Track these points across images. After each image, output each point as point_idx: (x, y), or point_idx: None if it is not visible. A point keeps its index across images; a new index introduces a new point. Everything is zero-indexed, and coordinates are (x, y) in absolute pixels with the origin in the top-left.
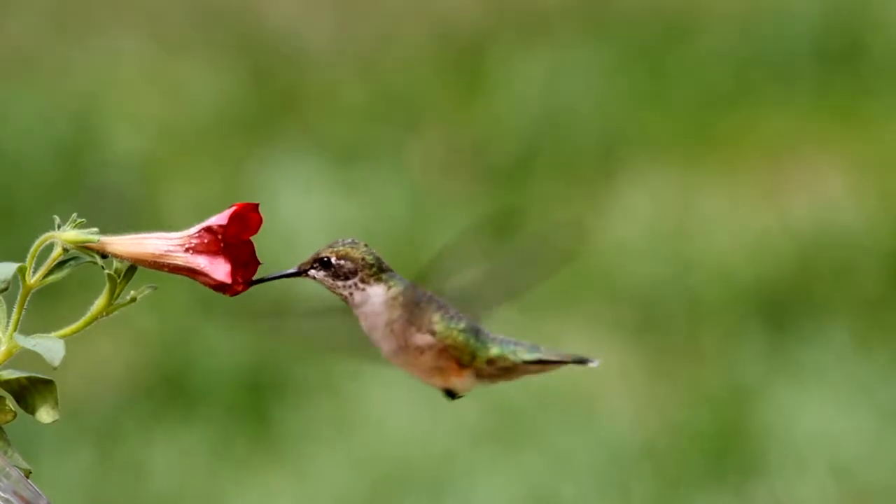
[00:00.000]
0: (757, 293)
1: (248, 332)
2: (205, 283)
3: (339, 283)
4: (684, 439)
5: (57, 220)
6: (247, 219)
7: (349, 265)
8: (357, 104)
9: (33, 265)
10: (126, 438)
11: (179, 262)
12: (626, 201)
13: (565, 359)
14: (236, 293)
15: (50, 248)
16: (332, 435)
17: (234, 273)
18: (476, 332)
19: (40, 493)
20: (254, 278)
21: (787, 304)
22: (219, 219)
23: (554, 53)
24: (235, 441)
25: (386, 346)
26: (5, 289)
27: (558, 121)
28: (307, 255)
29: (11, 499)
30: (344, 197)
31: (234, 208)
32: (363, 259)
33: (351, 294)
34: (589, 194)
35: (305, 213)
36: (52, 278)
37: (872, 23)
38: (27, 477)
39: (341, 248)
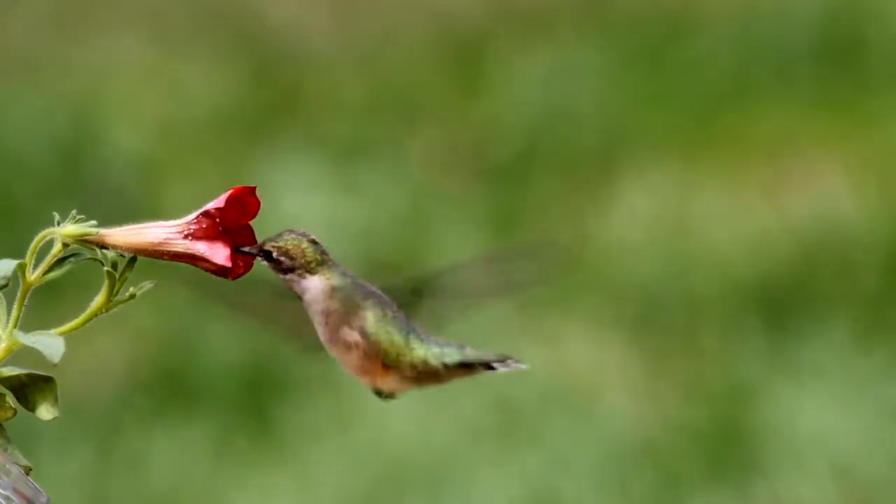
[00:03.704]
0: (757, 291)
1: (240, 325)
2: (205, 269)
3: (280, 275)
4: (684, 437)
5: (56, 216)
6: (245, 203)
7: (288, 261)
8: (357, 103)
9: (33, 262)
10: (126, 435)
11: (179, 248)
12: (626, 199)
13: (490, 361)
14: (237, 276)
15: (50, 245)
16: (332, 432)
17: (233, 257)
18: (408, 334)
19: (40, 490)
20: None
21: (787, 301)
22: (216, 203)
23: (554, 52)
24: (235, 438)
25: (322, 336)
26: (5, 285)
27: (558, 119)
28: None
29: (12, 496)
30: (344, 195)
31: (230, 192)
32: (303, 254)
33: (291, 286)
34: (589, 192)
35: (306, 211)
36: (51, 275)
37: (872, 20)
38: (27, 474)
39: (282, 243)
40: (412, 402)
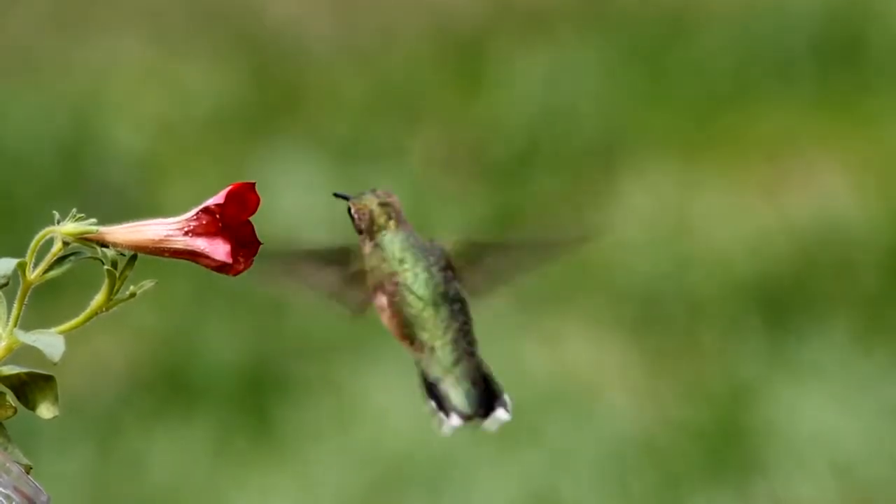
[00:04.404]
0: (757, 290)
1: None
2: (206, 265)
3: (358, 234)
4: (684, 436)
5: (56, 215)
6: (244, 199)
7: (364, 221)
8: (357, 102)
9: (33, 261)
10: (126, 434)
11: (179, 245)
12: (626, 198)
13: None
14: (238, 273)
15: (50, 244)
16: (333, 432)
17: (234, 253)
18: (439, 309)
19: (41, 488)
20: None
21: (787, 300)
22: (215, 199)
23: (554, 52)
24: (235, 437)
25: (370, 298)
26: (5, 284)
27: (558, 119)
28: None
29: (12, 495)
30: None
31: (230, 188)
32: (369, 217)
33: (362, 245)
34: (589, 191)
35: (306, 210)
36: (52, 274)
37: (872, 19)
38: (28, 472)
39: (361, 203)
40: (412, 401)
